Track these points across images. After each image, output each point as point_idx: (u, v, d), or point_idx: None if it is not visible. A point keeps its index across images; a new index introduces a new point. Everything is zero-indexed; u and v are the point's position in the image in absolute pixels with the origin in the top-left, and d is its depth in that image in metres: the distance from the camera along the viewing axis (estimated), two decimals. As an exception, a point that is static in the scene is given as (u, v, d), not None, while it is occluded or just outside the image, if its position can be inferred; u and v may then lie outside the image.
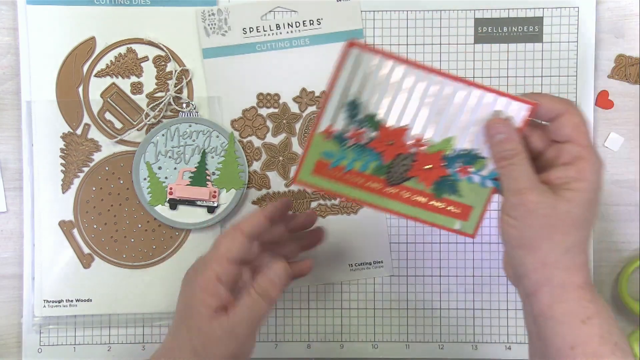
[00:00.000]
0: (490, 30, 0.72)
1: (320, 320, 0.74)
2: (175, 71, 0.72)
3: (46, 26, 0.72)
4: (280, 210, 0.62)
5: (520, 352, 0.73)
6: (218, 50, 0.72)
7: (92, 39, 0.72)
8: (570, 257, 0.52)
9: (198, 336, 0.57)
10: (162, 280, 0.72)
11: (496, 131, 0.55)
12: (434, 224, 0.59)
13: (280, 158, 0.73)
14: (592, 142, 0.54)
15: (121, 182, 0.72)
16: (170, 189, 0.72)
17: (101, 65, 0.72)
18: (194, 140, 0.72)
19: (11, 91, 0.73)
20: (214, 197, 0.72)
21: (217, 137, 0.72)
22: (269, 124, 0.73)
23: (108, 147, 0.73)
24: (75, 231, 0.73)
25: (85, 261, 0.73)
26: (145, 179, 0.72)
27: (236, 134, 0.72)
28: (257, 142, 0.73)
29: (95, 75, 0.72)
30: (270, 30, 0.72)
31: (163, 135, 0.72)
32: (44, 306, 0.73)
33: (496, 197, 0.56)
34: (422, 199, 0.58)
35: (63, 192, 0.72)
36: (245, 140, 0.73)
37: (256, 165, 0.73)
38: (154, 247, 0.73)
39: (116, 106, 0.72)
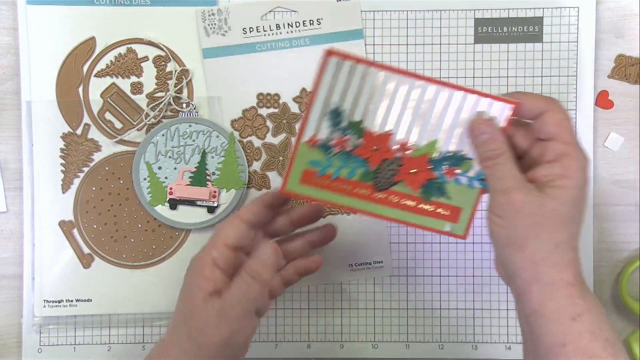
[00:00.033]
0: (490, 30, 0.72)
1: (320, 320, 0.74)
2: (175, 71, 0.72)
3: (46, 26, 0.72)
4: (280, 199, 0.62)
5: (520, 352, 0.73)
6: (218, 50, 0.72)
7: (92, 39, 0.72)
8: (559, 254, 0.52)
9: (192, 319, 0.57)
10: (162, 280, 0.72)
11: (480, 131, 0.55)
12: (424, 227, 0.59)
13: (280, 158, 0.73)
14: (577, 139, 0.54)
15: (121, 182, 0.73)
16: (170, 189, 0.72)
17: (101, 65, 0.72)
18: (194, 140, 0.72)
19: (11, 91, 0.73)
20: (214, 197, 0.72)
21: (217, 137, 0.72)
22: (269, 124, 0.73)
23: (108, 147, 0.73)
24: (75, 231, 0.73)
25: (85, 261, 0.73)
26: (145, 179, 0.72)
27: (236, 134, 0.72)
28: (257, 142, 0.73)
29: (95, 75, 0.72)
30: (270, 30, 0.72)
31: (163, 135, 0.72)
32: (44, 306, 0.73)
33: (486, 197, 0.56)
34: (411, 203, 0.58)
35: (63, 192, 0.73)
36: (245, 140, 0.73)
37: (256, 165, 0.73)
38: (154, 247, 0.73)
39: (116, 106, 0.72)
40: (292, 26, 0.72)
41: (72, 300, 0.73)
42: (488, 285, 0.73)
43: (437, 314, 0.74)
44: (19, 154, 0.73)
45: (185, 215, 0.72)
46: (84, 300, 0.73)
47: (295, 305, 0.74)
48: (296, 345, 0.74)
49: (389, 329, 0.74)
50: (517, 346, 0.73)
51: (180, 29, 0.72)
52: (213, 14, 0.71)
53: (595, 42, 0.72)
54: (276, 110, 0.73)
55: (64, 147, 0.72)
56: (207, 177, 0.72)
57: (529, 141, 0.56)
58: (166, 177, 0.72)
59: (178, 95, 0.72)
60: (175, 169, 0.72)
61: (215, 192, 0.72)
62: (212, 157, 0.72)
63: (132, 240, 0.73)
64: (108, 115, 0.72)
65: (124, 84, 0.73)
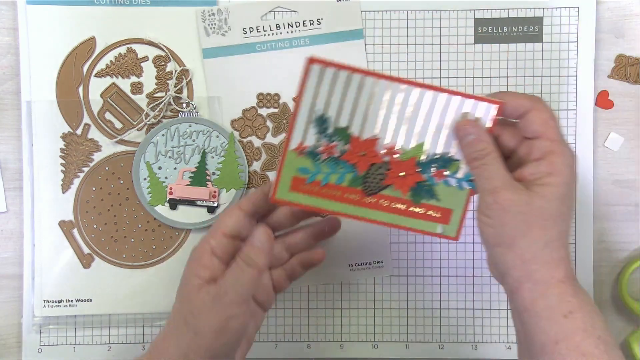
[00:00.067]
0: (490, 30, 0.72)
1: (320, 320, 0.74)
2: (175, 71, 0.72)
3: (46, 26, 0.72)
4: None
5: (520, 352, 0.73)
6: (218, 50, 0.72)
7: (92, 39, 0.72)
8: (549, 252, 0.52)
9: (188, 305, 0.57)
10: (162, 280, 0.73)
11: (465, 132, 0.55)
12: (416, 230, 0.59)
13: (280, 158, 0.73)
14: (562, 136, 0.54)
15: (121, 182, 0.73)
16: (170, 189, 0.72)
17: (101, 65, 0.72)
18: (194, 140, 0.72)
19: (11, 91, 0.73)
20: (214, 197, 0.72)
21: (217, 137, 0.72)
22: (269, 124, 0.73)
23: (108, 147, 0.73)
24: (75, 231, 0.73)
25: (85, 261, 0.73)
26: (145, 179, 0.72)
27: (236, 134, 0.72)
28: (257, 142, 0.73)
29: (95, 75, 0.72)
30: (270, 30, 0.72)
31: (163, 135, 0.72)
32: (44, 306, 0.73)
33: (476, 198, 0.57)
34: (401, 206, 0.59)
35: (63, 192, 0.73)
36: (245, 140, 0.73)
37: (256, 165, 0.73)
38: (154, 247, 0.73)
39: (116, 106, 0.72)
40: (292, 26, 0.72)
41: (72, 300, 0.73)
42: (488, 285, 0.73)
43: (437, 314, 0.74)
44: (19, 154, 0.73)
45: (185, 215, 0.72)
46: (84, 300, 0.73)
47: (295, 305, 0.74)
48: (296, 345, 0.74)
49: (389, 329, 0.74)
50: (517, 346, 0.73)
51: (180, 29, 0.72)
52: (213, 14, 0.71)
53: (595, 42, 0.72)
54: (276, 110, 0.73)
55: (64, 147, 0.72)
56: (207, 177, 0.72)
57: (516, 140, 0.56)
58: (166, 177, 0.72)
59: (178, 95, 0.72)
60: (175, 169, 0.72)
61: (215, 192, 0.72)
62: (212, 157, 0.72)
63: (132, 240, 0.73)
64: (108, 115, 0.72)
65: (124, 84, 0.72)
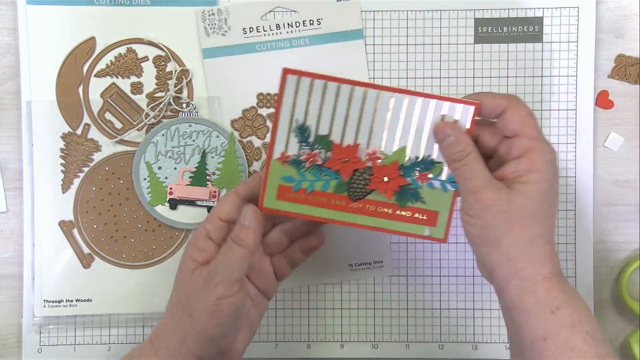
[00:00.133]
0: (490, 30, 0.72)
1: (320, 320, 0.74)
2: (175, 71, 0.72)
3: (46, 26, 0.72)
4: None
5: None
6: (218, 50, 0.72)
7: (92, 39, 0.72)
8: (534, 249, 0.53)
9: (183, 288, 0.58)
10: (162, 280, 0.73)
11: (444, 134, 0.56)
12: (404, 233, 0.60)
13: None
14: (541, 134, 0.55)
15: (121, 182, 0.73)
16: (170, 189, 0.72)
17: (101, 65, 0.72)
18: (194, 140, 0.72)
19: (11, 91, 0.73)
20: (214, 197, 0.72)
21: (217, 137, 0.72)
22: (269, 124, 0.73)
23: (108, 147, 0.73)
24: (75, 231, 0.73)
25: (85, 261, 0.73)
26: (145, 179, 0.72)
27: (236, 134, 0.72)
28: (257, 142, 0.73)
29: (95, 75, 0.72)
30: (270, 30, 0.72)
31: (163, 135, 0.72)
32: (44, 306, 0.73)
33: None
34: (388, 210, 0.60)
35: (63, 192, 0.73)
36: (245, 140, 0.73)
37: (256, 165, 0.73)
38: (154, 247, 0.73)
39: (116, 106, 0.72)
40: (292, 26, 0.72)
41: (72, 300, 0.73)
42: (488, 285, 0.73)
43: (437, 314, 0.74)
44: (19, 154, 0.73)
45: (185, 215, 0.72)
46: (84, 300, 0.73)
47: (295, 305, 0.74)
48: (296, 345, 0.74)
49: (389, 329, 0.74)
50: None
51: (180, 29, 0.72)
52: (213, 14, 0.71)
53: (595, 42, 0.72)
54: (276, 110, 0.73)
55: (64, 147, 0.72)
56: (207, 177, 0.72)
57: (496, 140, 0.57)
58: (166, 177, 0.72)
59: (178, 95, 0.72)
60: (175, 169, 0.72)
61: (215, 192, 0.72)
62: (212, 157, 0.72)
63: (132, 240, 0.73)
64: (108, 115, 0.72)
65: (124, 84, 0.72)
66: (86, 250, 0.73)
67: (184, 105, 0.72)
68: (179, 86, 0.72)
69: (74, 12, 0.72)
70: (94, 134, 0.72)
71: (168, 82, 0.72)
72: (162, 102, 0.72)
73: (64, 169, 0.72)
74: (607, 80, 0.73)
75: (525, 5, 0.72)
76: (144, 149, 0.72)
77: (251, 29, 0.72)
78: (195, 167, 0.72)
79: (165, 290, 0.71)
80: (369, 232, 0.59)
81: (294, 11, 0.72)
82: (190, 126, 0.72)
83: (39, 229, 0.72)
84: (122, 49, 0.72)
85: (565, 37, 0.72)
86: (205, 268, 0.57)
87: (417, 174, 0.59)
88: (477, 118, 0.57)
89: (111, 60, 0.72)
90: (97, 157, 0.73)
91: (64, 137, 0.72)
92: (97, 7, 0.72)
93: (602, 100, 0.73)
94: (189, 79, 0.72)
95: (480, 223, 0.54)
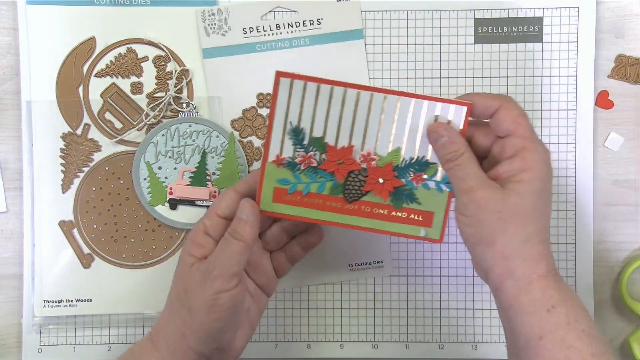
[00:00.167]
0: (490, 30, 0.72)
1: (320, 320, 0.74)
2: (175, 71, 0.72)
3: (46, 26, 0.72)
4: None
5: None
6: (218, 50, 0.72)
7: (92, 39, 0.72)
8: (528, 247, 0.53)
9: (182, 283, 0.58)
10: (163, 280, 0.73)
11: (438, 135, 0.57)
12: (400, 234, 0.60)
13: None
14: (534, 133, 0.55)
15: (121, 182, 0.73)
16: (170, 189, 0.72)
17: (101, 65, 0.72)
18: (194, 140, 0.72)
19: (11, 91, 0.73)
20: (214, 197, 0.72)
21: (217, 137, 0.72)
22: (269, 124, 0.73)
23: (108, 147, 0.73)
24: (75, 231, 0.73)
25: (85, 261, 0.73)
26: (145, 179, 0.72)
27: (236, 134, 0.72)
28: (257, 142, 0.73)
29: (95, 75, 0.72)
30: (270, 30, 0.72)
31: (163, 135, 0.72)
32: (44, 306, 0.73)
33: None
34: (383, 211, 0.60)
35: (63, 192, 0.73)
36: (245, 140, 0.73)
37: (256, 165, 0.73)
38: (154, 247, 0.73)
39: (116, 106, 0.72)
40: (292, 26, 0.72)
41: (72, 300, 0.73)
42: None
43: (437, 314, 0.74)
44: (19, 154, 0.73)
45: (185, 215, 0.72)
46: (84, 300, 0.73)
47: (295, 305, 0.74)
48: (296, 345, 0.74)
49: (389, 329, 0.74)
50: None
51: (180, 29, 0.72)
52: (213, 14, 0.71)
53: (595, 42, 0.72)
54: (276, 110, 0.73)
55: (64, 147, 0.72)
56: (207, 177, 0.72)
57: (489, 140, 0.57)
58: (166, 177, 0.72)
59: (178, 95, 0.72)
60: (175, 169, 0.72)
61: (215, 192, 0.72)
62: (212, 157, 0.72)
63: (132, 240, 0.73)
64: (108, 115, 0.72)
65: (124, 84, 0.73)
66: (86, 250, 0.73)
67: (184, 105, 0.72)
68: (179, 86, 0.72)
69: (74, 12, 0.72)
70: (94, 134, 0.72)
71: (168, 82, 0.72)
72: (162, 102, 0.71)
73: (64, 169, 0.72)
74: (607, 80, 0.73)
75: (525, 5, 0.72)
76: (144, 149, 0.72)
77: (251, 29, 0.72)
78: (195, 167, 0.72)
79: (165, 290, 0.71)
80: (368, 232, 0.60)
81: (294, 11, 0.72)
82: (190, 126, 0.72)
83: (39, 229, 0.72)
84: (122, 49, 0.72)
85: (565, 37, 0.72)
86: (203, 263, 0.57)
87: (412, 174, 0.59)
88: (470, 119, 0.57)
89: (111, 60, 0.72)
90: (97, 157, 0.73)
91: (64, 137, 0.72)
92: (97, 7, 0.72)
93: (602, 100, 0.73)
94: (189, 79, 0.72)
95: (474, 222, 0.54)
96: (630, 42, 0.73)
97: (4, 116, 0.73)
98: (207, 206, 0.72)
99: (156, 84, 0.72)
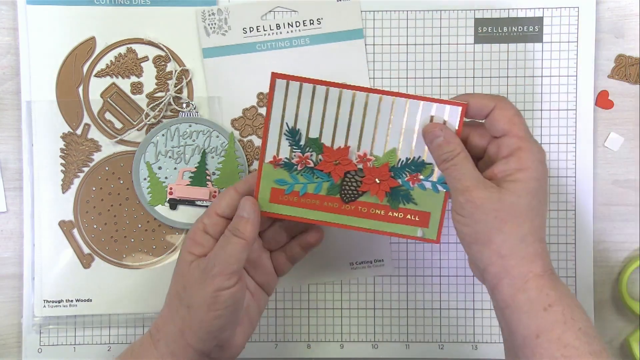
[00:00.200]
0: (490, 30, 0.72)
1: (320, 320, 0.74)
2: (175, 71, 0.72)
3: (46, 26, 0.72)
4: None
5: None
6: (218, 49, 0.72)
7: (92, 39, 0.72)
8: (524, 247, 0.53)
9: (181, 280, 0.58)
10: (163, 280, 0.72)
11: (434, 135, 0.57)
12: (397, 235, 0.61)
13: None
14: (530, 133, 0.56)
15: (121, 182, 0.73)
16: (170, 189, 0.72)
17: (101, 65, 0.72)
18: (194, 140, 0.72)
19: (11, 91, 0.73)
20: (214, 197, 0.72)
21: (217, 137, 0.72)
22: (269, 123, 0.73)
23: (108, 147, 0.73)
24: (75, 231, 0.73)
25: (85, 261, 0.73)
26: (145, 179, 0.72)
27: (236, 133, 0.72)
28: (257, 142, 0.73)
29: (95, 75, 0.73)
30: (271, 30, 0.72)
31: (163, 135, 0.72)
32: (44, 306, 0.72)
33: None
34: (380, 212, 0.60)
35: (63, 192, 0.73)
36: (245, 139, 0.73)
37: (256, 165, 0.73)
38: (154, 247, 0.73)
39: (116, 106, 0.72)
40: (292, 26, 0.72)
41: (72, 300, 0.73)
42: (488, 285, 0.73)
43: (437, 314, 0.74)
44: (19, 154, 0.73)
45: (185, 215, 0.72)
46: (84, 300, 0.73)
47: (295, 305, 0.74)
48: (296, 345, 0.74)
49: (389, 329, 0.74)
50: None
51: (180, 29, 0.72)
52: (213, 14, 0.71)
53: (595, 42, 0.72)
54: (276, 110, 0.72)
55: (64, 147, 0.72)
56: (207, 177, 0.72)
57: (485, 140, 0.58)
58: (166, 177, 0.72)
59: (178, 95, 0.72)
60: (175, 169, 0.72)
61: (215, 192, 0.72)
62: (212, 157, 0.72)
63: (132, 240, 0.73)
64: (108, 115, 0.73)
65: (124, 84, 0.73)
66: (86, 250, 0.73)
67: (184, 105, 0.72)
68: (179, 86, 0.72)
69: (74, 12, 0.72)
70: (94, 134, 0.73)
71: (168, 82, 0.72)
72: (162, 102, 0.72)
73: (64, 169, 0.72)
74: (607, 80, 0.73)
75: (525, 5, 0.72)
76: (144, 149, 0.72)
77: (251, 29, 0.72)
78: (195, 167, 0.72)
79: (165, 290, 0.71)
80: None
81: (294, 11, 0.72)
82: (190, 126, 0.72)
83: (39, 229, 0.72)
84: (122, 49, 0.73)
85: (565, 37, 0.73)
86: (202, 261, 0.57)
87: (408, 175, 0.59)
88: (465, 119, 0.57)
89: (111, 60, 0.72)
90: (97, 157, 0.73)
91: (64, 137, 0.72)
92: (97, 7, 0.72)
93: (602, 100, 0.73)
94: (189, 79, 0.73)
95: (471, 222, 0.54)
96: (630, 42, 0.73)
97: (4, 116, 0.73)
98: (207, 206, 0.71)
99: (156, 84, 0.73)
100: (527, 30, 0.72)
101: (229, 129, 0.72)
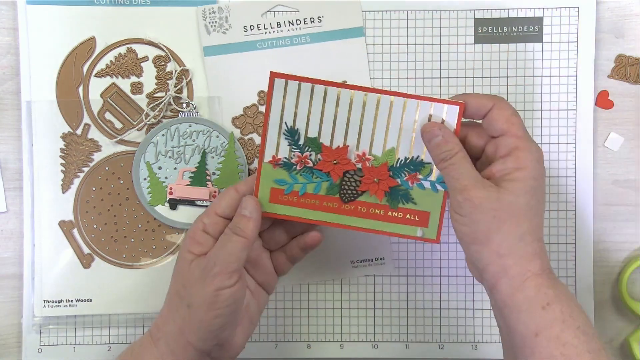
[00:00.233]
0: (490, 30, 0.72)
1: (320, 320, 0.74)
2: (175, 71, 0.72)
3: (46, 26, 0.72)
4: None
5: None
6: (219, 48, 0.72)
7: (92, 39, 0.72)
8: (523, 246, 0.53)
9: (180, 279, 0.58)
10: (162, 280, 0.72)
11: (432, 135, 0.57)
12: (397, 234, 0.61)
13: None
14: (527, 133, 0.56)
15: (121, 182, 0.73)
16: (170, 189, 0.72)
17: (101, 65, 0.73)
18: (194, 140, 0.72)
19: (11, 91, 0.73)
20: (214, 197, 0.72)
21: (217, 137, 0.72)
22: (270, 123, 0.72)
23: (108, 147, 0.73)
24: (75, 231, 0.73)
25: (85, 261, 0.73)
26: (145, 179, 0.72)
27: (237, 131, 0.73)
28: (258, 140, 0.73)
29: (95, 75, 0.73)
30: (271, 28, 0.72)
31: (163, 135, 0.72)
32: (44, 306, 0.72)
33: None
34: (379, 212, 0.60)
35: (63, 192, 0.73)
36: (246, 137, 0.73)
37: (257, 163, 0.72)
38: (154, 247, 0.73)
39: (116, 106, 0.73)
40: (292, 24, 0.72)
41: (72, 300, 0.73)
42: (488, 285, 0.73)
43: (437, 314, 0.74)
44: (19, 154, 0.73)
45: (185, 215, 0.72)
46: (84, 300, 0.73)
47: (295, 305, 0.74)
48: (296, 345, 0.74)
49: (389, 329, 0.74)
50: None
51: (180, 28, 0.72)
52: (214, 12, 0.71)
53: (595, 42, 0.73)
54: (276, 109, 0.72)
55: (64, 147, 0.72)
56: (207, 177, 0.72)
57: (483, 140, 0.58)
58: (166, 177, 0.72)
59: (178, 95, 0.72)
60: (175, 169, 0.72)
61: (215, 192, 0.72)
62: (212, 157, 0.72)
63: (132, 240, 0.73)
64: (108, 115, 0.73)
65: (124, 84, 0.73)
66: (86, 250, 0.73)
67: (184, 105, 0.72)
68: (179, 86, 0.72)
69: (74, 12, 0.72)
70: (94, 134, 0.73)
71: (168, 82, 0.72)
72: (162, 102, 0.72)
73: (64, 169, 0.72)
74: (607, 80, 0.74)
75: (525, 5, 0.72)
76: (144, 149, 0.72)
77: (252, 27, 0.72)
78: (195, 167, 0.72)
79: (165, 290, 0.71)
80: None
81: (295, 9, 0.72)
82: (190, 126, 0.72)
83: (39, 229, 0.72)
84: (122, 49, 0.73)
85: (565, 37, 0.73)
86: (202, 260, 0.58)
87: (407, 174, 0.60)
88: (463, 119, 0.58)
89: (111, 60, 0.72)
90: (97, 157, 0.73)
91: (64, 137, 0.72)
92: (97, 7, 0.72)
93: (602, 100, 0.73)
94: (189, 79, 0.73)
95: (470, 221, 0.54)
96: (630, 42, 0.73)
97: (4, 116, 0.73)
98: (207, 206, 0.71)
99: (156, 84, 0.73)
100: (527, 30, 0.72)
101: (229, 128, 0.72)
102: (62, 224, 0.72)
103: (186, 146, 0.72)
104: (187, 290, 0.57)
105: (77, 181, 0.72)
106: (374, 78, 0.73)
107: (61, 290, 0.72)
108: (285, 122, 0.59)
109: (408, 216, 0.60)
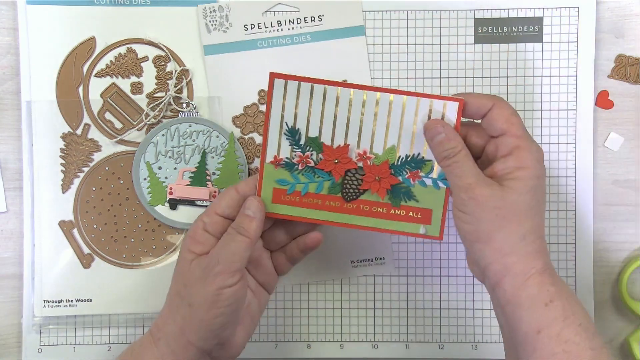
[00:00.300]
0: (490, 30, 0.72)
1: (320, 320, 0.74)
2: (175, 71, 0.72)
3: (46, 26, 0.72)
4: None
5: (520, 352, 0.72)
6: (219, 47, 0.72)
7: (92, 39, 0.72)
8: (525, 244, 0.54)
9: (182, 279, 0.58)
10: (162, 280, 0.72)
11: (435, 132, 0.57)
12: (399, 232, 0.61)
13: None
14: (527, 132, 0.56)
15: (121, 182, 0.73)
16: (170, 189, 0.72)
17: (101, 65, 0.73)
18: (194, 140, 0.72)
19: (11, 91, 0.73)
20: (214, 197, 0.72)
21: (217, 137, 0.72)
22: (270, 122, 0.72)
23: (108, 147, 0.73)
24: (75, 231, 0.73)
25: (85, 261, 0.73)
26: (145, 179, 0.72)
27: (237, 130, 0.73)
28: (258, 139, 0.73)
29: (95, 75, 0.73)
30: (272, 26, 0.72)
31: (163, 135, 0.72)
32: (44, 306, 0.72)
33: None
34: (382, 210, 0.60)
35: (63, 192, 0.73)
36: (246, 137, 0.73)
37: (258, 162, 0.73)
38: (154, 247, 0.73)
39: (116, 106, 0.73)
40: (293, 23, 0.72)
41: (72, 300, 0.72)
42: (488, 285, 0.72)
43: (437, 314, 0.74)
44: (19, 154, 0.73)
45: (185, 215, 0.72)
46: (84, 300, 0.73)
47: (295, 305, 0.74)
48: (296, 345, 0.74)
49: (389, 329, 0.74)
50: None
51: (180, 28, 0.72)
52: (214, 11, 0.72)
53: (595, 42, 0.73)
54: (277, 108, 0.72)
55: (64, 147, 0.72)
56: (207, 177, 0.72)
57: (483, 140, 0.58)
58: (166, 177, 0.72)
59: (178, 95, 0.72)
60: (175, 169, 0.72)
61: (215, 192, 0.72)
62: (212, 157, 0.72)
63: (132, 240, 0.73)
64: (108, 115, 0.73)
65: (124, 84, 0.73)
66: (86, 250, 0.73)
67: (184, 105, 0.73)
68: (179, 86, 0.73)
69: (74, 12, 0.72)
70: (94, 134, 0.73)
71: (168, 82, 0.73)
72: (162, 102, 0.72)
73: (64, 169, 0.73)
74: (607, 80, 0.74)
75: (525, 5, 0.73)
76: (144, 149, 0.72)
77: (252, 26, 0.72)
78: (195, 167, 0.72)
79: (165, 290, 0.71)
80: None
81: (296, 9, 0.72)
82: (190, 126, 0.72)
83: (39, 229, 0.73)
84: (122, 49, 0.73)
85: (565, 37, 0.73)
86: (203, 259, 0.58)
87: (408, 172, 0.60)
88: (462, 119, 0.58)
89: (111, 60, 0.73)
90: (97, 157, 0.73)
91: (64, 137, 0.72)
92: (97, 7, 0.72)
93: (602, 100, 0.73)
94: (189, 79, 0.73)
95: (473, 219, 0.55)
96: (630, 42, 0.74)
97: (4, 116, 0.74)
98: (207, 206, 0.70)
99: (156, 84, 0.73)
100: (527, 30, 0.72)
101: (230, 128, 0.73)
102: (62, 224, 0.72)
103: (186, 146, 0.71)
104: (188, 289, 0.57)
105: (77, 181, 0.72)
106: (374, 78, 0.73)
107: (61, 290, 0.72)
108: (286, 122, 0.59)
109: (410, 214, 0.60)
